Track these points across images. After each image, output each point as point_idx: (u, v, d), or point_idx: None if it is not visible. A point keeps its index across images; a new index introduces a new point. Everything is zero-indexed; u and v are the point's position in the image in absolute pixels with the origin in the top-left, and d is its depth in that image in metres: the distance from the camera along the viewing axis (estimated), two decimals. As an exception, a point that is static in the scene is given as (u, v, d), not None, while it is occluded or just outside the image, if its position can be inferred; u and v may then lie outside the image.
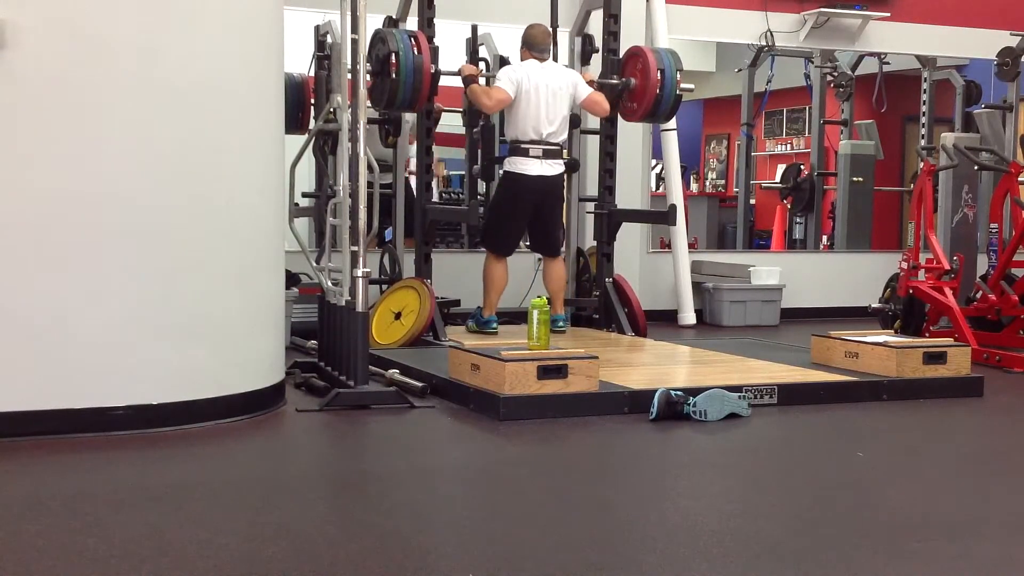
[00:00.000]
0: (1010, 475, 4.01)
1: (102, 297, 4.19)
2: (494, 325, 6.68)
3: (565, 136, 6.67)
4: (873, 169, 10.69)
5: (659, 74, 6.69)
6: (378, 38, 6.20)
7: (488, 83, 6.83)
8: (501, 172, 6.73)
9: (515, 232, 6.77)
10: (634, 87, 6.86)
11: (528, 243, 7.08)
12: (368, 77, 5.93)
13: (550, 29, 6.76)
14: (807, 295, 9.08)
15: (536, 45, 6.56)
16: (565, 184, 7.02)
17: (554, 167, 6.60)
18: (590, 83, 6.73)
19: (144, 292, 4.25)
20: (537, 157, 6.50)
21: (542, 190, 6.58)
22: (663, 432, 4.48)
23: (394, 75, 6.06)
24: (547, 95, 6.47)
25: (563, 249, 7.21)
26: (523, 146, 6.49)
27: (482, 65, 7.16)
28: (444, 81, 6.49)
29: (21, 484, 3.59)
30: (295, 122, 6.72)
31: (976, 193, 8.39)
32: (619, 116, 7.12)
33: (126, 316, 4.22)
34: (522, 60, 6.63)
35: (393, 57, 6.04)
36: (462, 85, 6.62)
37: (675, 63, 6.75)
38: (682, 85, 6.77)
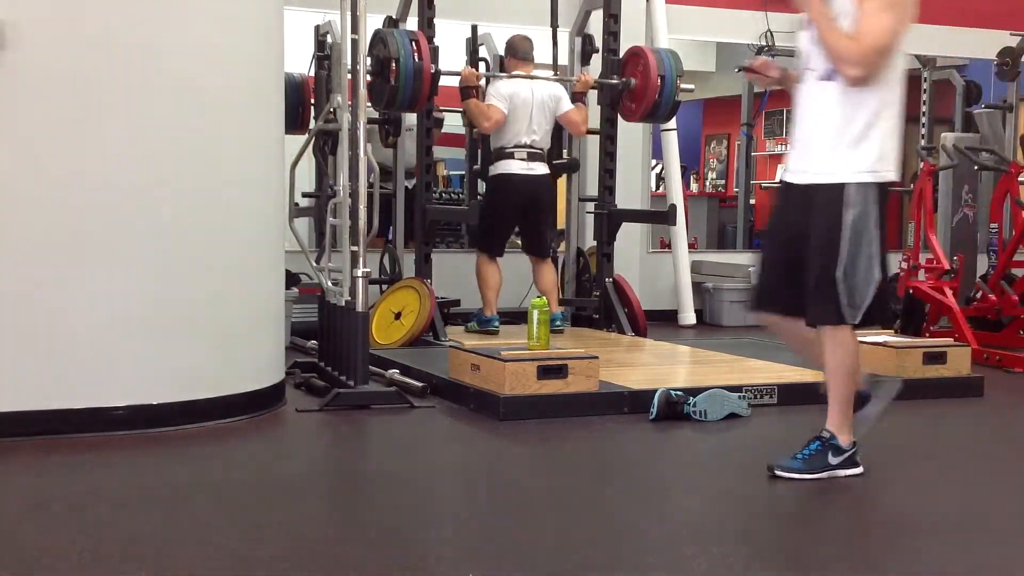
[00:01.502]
0: (1010, 475, 4.01)
1: (102, 297, 4.18)
2: (496, 324, 6.71)
3: (548, 143, 6.86)
4: (873, 169, 10.66)
5: (659, 79, 6.71)
6: (378, 39, 6.19)
7: (487, 84, 6.84)
8: (488, 177, 6.84)
9: (503, 232, 6.88)
10: (634, 87, 6.86)
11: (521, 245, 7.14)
12: (368, 76, 5.94)
13: (528, 36, 6.89)
14: (807, 295, 9.05)
15: (519, 50, 6.75)
16: (554, 187, 7.09)
17: (539, 168, 6.74)
18: (581, 93, 6.79)
19: (144, 292, 4.25)
20: (522, 159, 6.66)
21: (528, 190, 6.70)
22: (663, 432, 4.48)
23: (393, 81, 6.06)
24: (533, 109, 6.65)
25: (558, 250, 7.24)
26: (508, 150, 6.66)
27: (482, 66, 7.17)
28: (446, 80, 6.50)
29: (21, 484, 3.59)
30: (295, 122, 6.72)
31: (976, 193, 8.39)
32: (619, 116, 7.13)
33: (126, 316, 4.22)
34: (509, 69, 6.76)
35: (393, 64, 6.03)
36: (460, 96, 6.68)
37: (676, 66, 6.76)
38: (682, 87, 6.78)
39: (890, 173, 3.59)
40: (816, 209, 3.58)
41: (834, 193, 3.53)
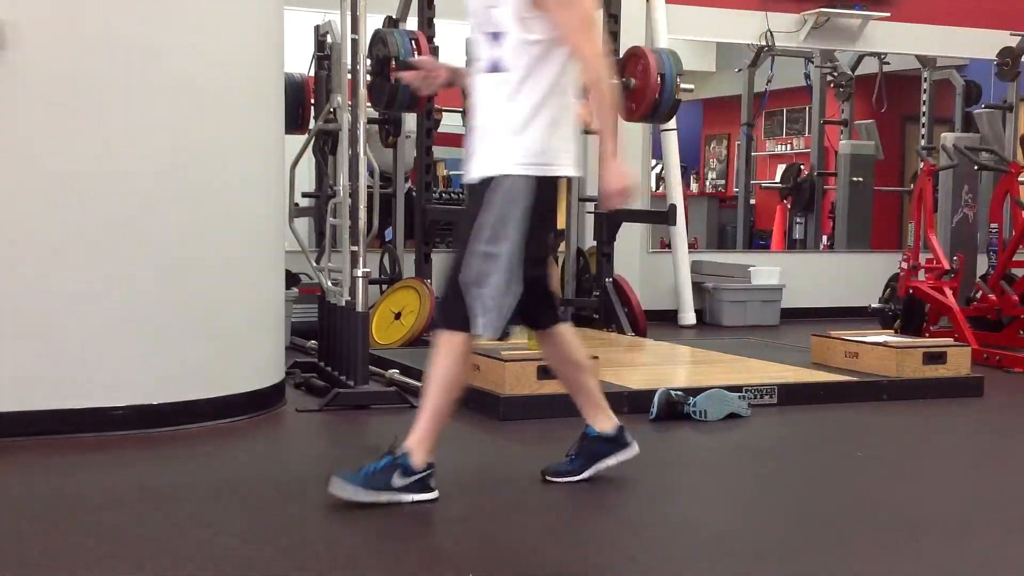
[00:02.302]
0: (1010, 475, 4.01)
1: (102, 297, 4.18)
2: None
3: None
4: (873, 169, 10.69)
5: (659, 78, 6.70)
6: (378, 38, 6.20)
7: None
8: None
9: None
10: (634, 87, 6.86)
11: None
12: (368, 77, 5.94)
13: None
14: (807, 295, 9.09)
15: None
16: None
17: None
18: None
19: (144, 292, 4.25)
20: None
21: None
22: (663, 432, 4.48)
23: (393, 80, 6.06)
24: None
25: (558, 250, 7.24)
26: None
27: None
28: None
29: (21, 484, 3.59)
30: (295, 122, 6.73)
31: (976, 193, 8.40)
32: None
33: (126, 316, 4.22)
34: None
35: (393, 63, 6.04)
36: (462, 94, 6.66)
37: (676, 66, 6.75)
38: (682, 88, 6.77)
39: (557, 168, 3.24)
40: (471, 202, 3.27)
41: (484, 185, 3.20)
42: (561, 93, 3.26)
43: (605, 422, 3.53)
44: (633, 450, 3.58)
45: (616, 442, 3.55)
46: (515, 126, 3.19)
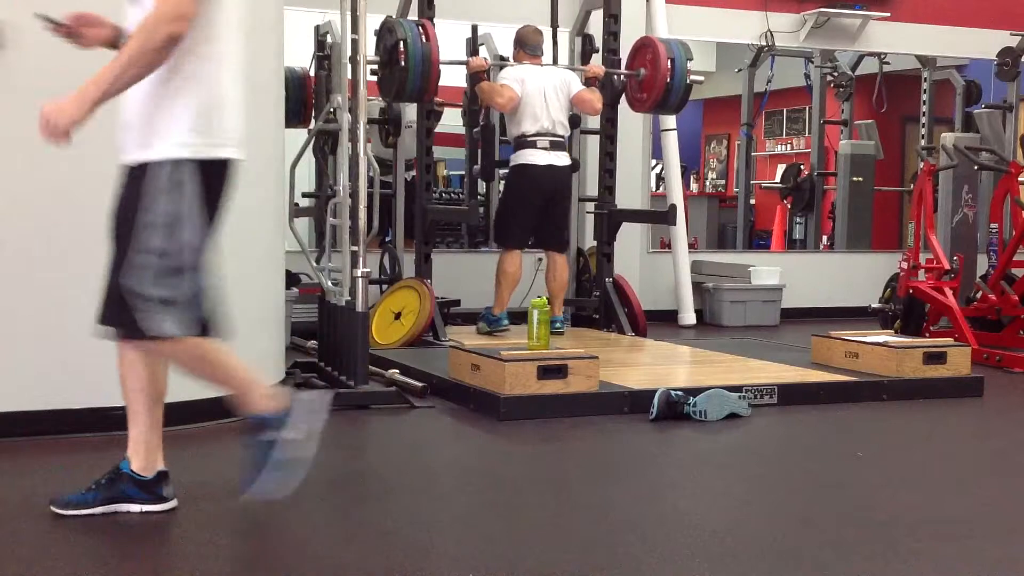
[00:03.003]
0: (1010, 475, 4.01)
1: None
2: (505, 322, 6.63)
3: (567, 132, 6.73)
4: (873, 169, 10.69)
5: (669, 63, 6.67)
6: (385, 28, 6.19)
7: (490, 75, 6.83)
8: (508, 168, 6.73)
9: (525, 223, 6.67)
10: (644, 77, 6.84)
11: (532, 240, 7.01)
12: (376, 67, 5.91)
13: (539, 28, 6.84)
14: (807, 295, 9.09)
15: (528, 43, 6.68)
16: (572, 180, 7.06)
17: (562, 158, 6.64)
18: (593, 79, 6.75)
19: (144, 292, 4.25)
20: (545, 148, 6.55)
21: (551, 179, 6.60)
22: (663, 432, 4.48)
23: (403, 63, 6.01)
24: (547, 92, 6.55)
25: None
26: (529, 138, 6.54)
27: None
28: (446, 80, 6.49)
29: (21, 484, 3.59)
30: (298, 116, 6.71)
31: (976, 193, 8.41)
32: (622, 110, 7.14)
33: (126, 316, 4.21)
34: (518, 61, 6.70)
35: (401, 45, 6.00)
36: (469, 81, 6.65)
37: (685, 53, 6.75)
38: (692, 76, 6.75)
39: (216, 149, 2.99)
40: (123, 189, 2.98)
41: (140, 172, 2.93)
42: (213, 65, 3.01)
43: (141, 461, 3.20)
44: (166, 506, 3.22)
45: (150, 490, 3.19)
46: (161, 102, 2.93)
